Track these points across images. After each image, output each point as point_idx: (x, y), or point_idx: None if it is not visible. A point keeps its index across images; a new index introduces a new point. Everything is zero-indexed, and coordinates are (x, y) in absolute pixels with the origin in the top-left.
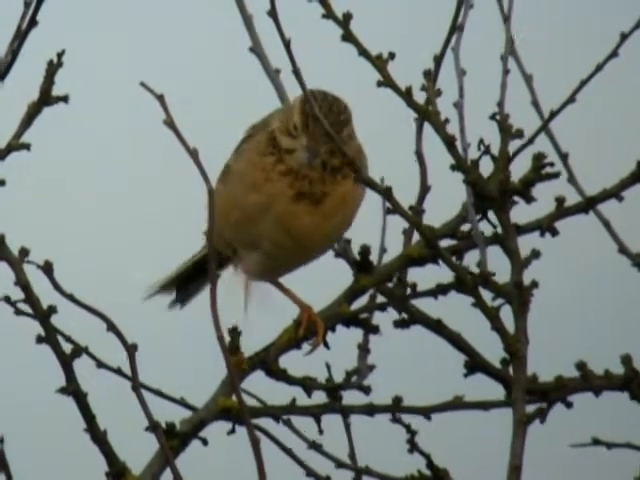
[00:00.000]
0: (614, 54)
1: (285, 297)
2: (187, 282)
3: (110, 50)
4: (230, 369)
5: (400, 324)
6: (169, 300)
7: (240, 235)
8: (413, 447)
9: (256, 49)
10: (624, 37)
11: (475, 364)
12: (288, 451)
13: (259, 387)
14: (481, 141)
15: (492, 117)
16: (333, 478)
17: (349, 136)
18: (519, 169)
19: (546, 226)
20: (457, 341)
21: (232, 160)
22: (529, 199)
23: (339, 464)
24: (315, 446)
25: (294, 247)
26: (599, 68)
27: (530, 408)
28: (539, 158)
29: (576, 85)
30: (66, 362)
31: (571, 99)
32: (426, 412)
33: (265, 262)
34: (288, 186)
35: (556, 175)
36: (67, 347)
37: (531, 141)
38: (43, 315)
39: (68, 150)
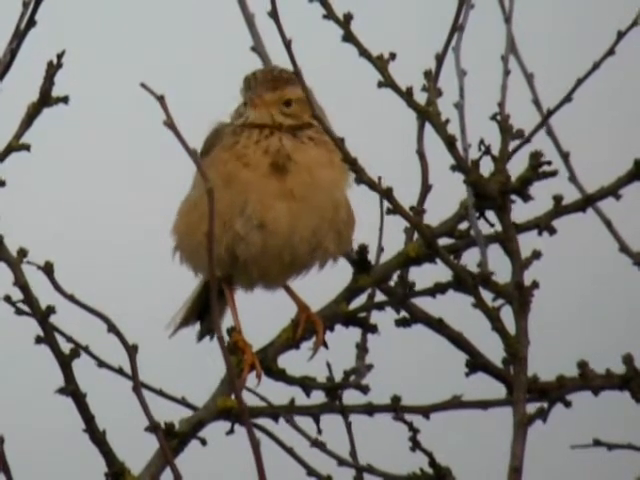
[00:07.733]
0: (610, 52)
1: (286, 295)
2: (206, 310)
3: (110, 50)
4: (230, 369)
5: (401, 323)
6: (196, 332)
7: (219, 248)
8: (415, 445)
9: (258, 48)
10: (620, 35)
11: (476, 363)
12: (289, 450)
13: (258, 387)
14: (482, 141)
15: (493, 117)
16: (334, 477)
17: (299, 100)
18: (519, 168)
19: (544, 225)
20: (458, 340)
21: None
22: (526, 198)
23: (340, 462)
24: (317, 444)
25: (273, 246)
26: (596, 66)
27: (530, 408)
28: (536, 157)
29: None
30: (65, 362)
31: (568, 98)
32: (425, 411)
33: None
34: (263, 153)
35: (553, 174)
36: (68, 347)
37: (529, 140)
38: (42, 315)
39: (68, 151)
